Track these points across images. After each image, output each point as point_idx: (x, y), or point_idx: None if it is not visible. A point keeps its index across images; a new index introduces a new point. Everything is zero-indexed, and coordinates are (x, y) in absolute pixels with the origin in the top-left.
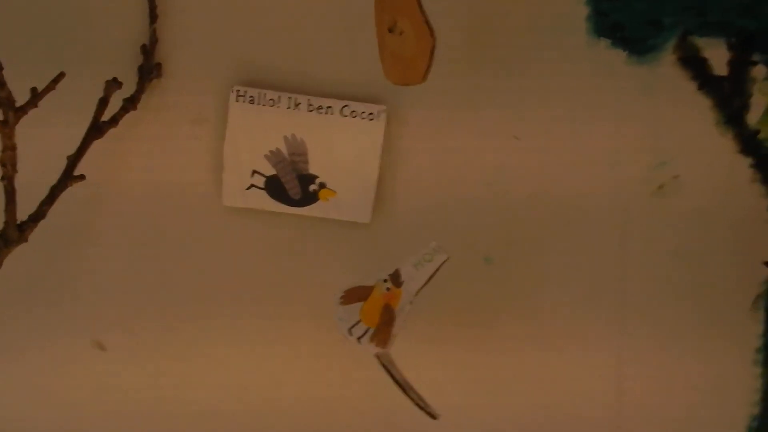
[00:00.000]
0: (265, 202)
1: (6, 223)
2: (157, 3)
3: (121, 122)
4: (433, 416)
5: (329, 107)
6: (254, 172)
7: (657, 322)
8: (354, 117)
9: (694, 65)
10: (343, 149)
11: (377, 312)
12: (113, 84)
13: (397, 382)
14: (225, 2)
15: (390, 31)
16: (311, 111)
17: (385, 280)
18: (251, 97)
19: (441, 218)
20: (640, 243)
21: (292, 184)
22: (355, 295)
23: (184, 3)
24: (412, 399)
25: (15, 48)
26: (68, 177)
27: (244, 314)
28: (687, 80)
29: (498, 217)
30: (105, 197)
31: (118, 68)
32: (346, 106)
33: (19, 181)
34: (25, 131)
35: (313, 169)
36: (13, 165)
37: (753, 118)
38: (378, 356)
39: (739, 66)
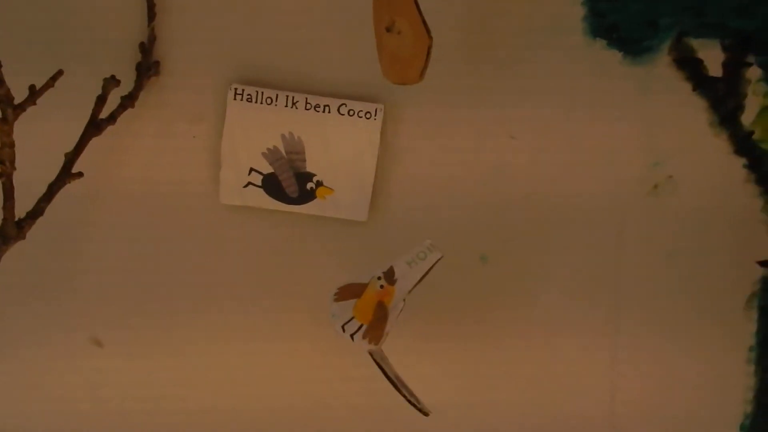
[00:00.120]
0: (263, 200)
1: (4, 220)
2: (155, 1)
3: (119, 120)
4: (424, 413)
5: (327, 106)
6: (252, 170)
7: (651, 320)
8: (351, 115)
9: (690, 66)
10: (340, 148)
11: (370, 309)
12: (111, 81)
13: (389, 378)
14: (223, 1)
15: (388, 30)
16: (309, 109)
17: (379, 278)
18: (249, 95)
19: (437, 216)
20: (635, 242)
21: (290, 182)
22: (349, 291)
23: (182, 1)
24: (404, 396)
25: (13, 45)
26: (66, 174)
27: (241, 311)
28: (682, 81)
29: (494, 215)
30: (103, 194)
31: (116, 66)
32: (343, 104)
33: (17, 178)
34: (23, 128)
35: (310, 168)
36: (12, 162)
37: (747, 118)
38: (371, 353)
39: (734, 67)
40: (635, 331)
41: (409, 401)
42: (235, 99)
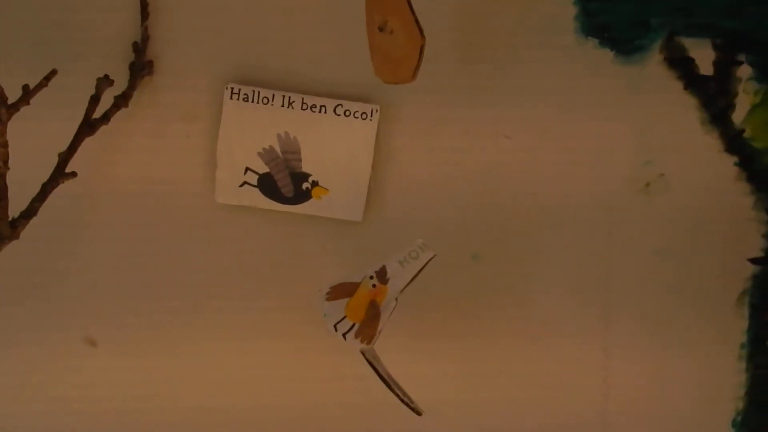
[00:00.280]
0: (258, 199)
1: None
2: (149, 1)
3: (112, 119)
4: (417, 412)
5: (323, 106)
6: (247, 169)
7: (643, 318)
8: (347, 116)
9: (681, 65)
10: (336, 148)
11: (363, 308)
12: (105, 81)
13: (382, 378)
14: (218, 0)
15: (380, 29)
16: (305, 110)
17: (371, 277)
18: (245, 95)
19: (431, 215)
20: (627, 240)
21: (285, 182)
22: (342, 291)
23: (176, 0)
24: (396, 395)
25: (7, 45)
26: (60, 174)
27: (236, 310)
28: (673, 80)
29: (486, 214)
30: (97, 194)
31: (109, 65)
32: (339, 105)
33: (10, 177)
34: (16, 127)
35: (306, 168)
36: (5, 162)
37: (738, 117)
38: (363, 352)
39: (725, 66)
40: (627, 329)
41: (402, 400)
42: (231, 98)
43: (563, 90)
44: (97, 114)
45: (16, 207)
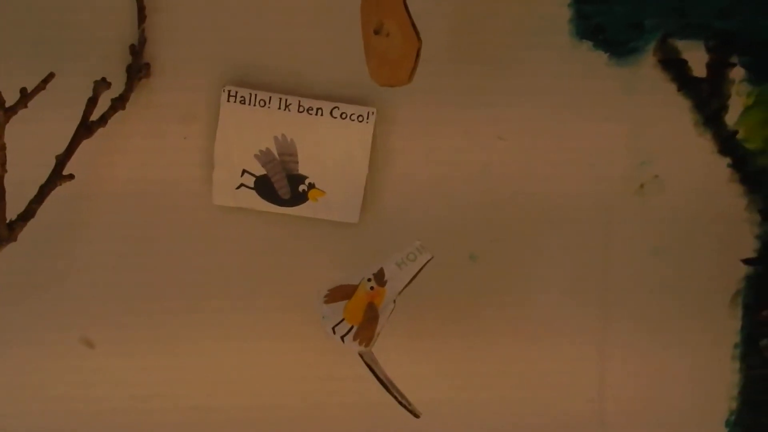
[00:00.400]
0: (255, 201)
1: None
2: (145, 3)
3: (110, 121)
4: (415, 415)
5: (320, 109)
6: (244, 171)
7: (638, 318)
8: (344, 119)
9: (674, 67)
10: (332, 150)
11: (361, 311)
12: (102, 84)
13: (380, 380)
14: (214, 3)
15: (376, 32)
16: (302, 112)
17: (369, 279)
18: (242, 97)
19: (427, 217)
20: (623, 240)
21: (282, 184)
22: (340, 293)
23: (173, 2)
24: (395, 397)
25: (4, 47)
26: (57, 176)
27: (233, 311)
28: (667, 82)
29: (483, 215)
30: (94, 195)
31: (107, 68)
32: (336, 107)
33: (8, 178)
34: (13, 128)
35: (302, 170)
36: (3, 164)
37: (731, 118)
38: (361, 354)
39: (718, 68)
40: (623, 328)
41: (400, 403)
42: (228, 101)
43: (559, 92)
44: (95, 116)
45: (13, 208)
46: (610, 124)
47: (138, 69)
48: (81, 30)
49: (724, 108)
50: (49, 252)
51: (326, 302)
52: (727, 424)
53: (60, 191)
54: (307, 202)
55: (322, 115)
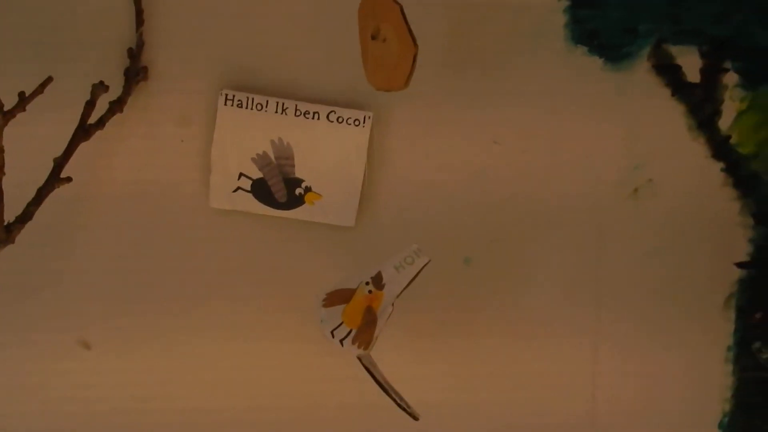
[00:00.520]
0: (252, 204)
1: None
2: (143, 7)
3: (107, 124)
4: (414, 417)
5: (316, 113)
6: (241, 174)
7: (632, 320)
8: (340, 123)
9: (668, 72)
10: (329, 154)
11: (359, 314)
12: (100, 87)
13: (378, 383)
14: (212, 7)
15: (373, 37)
16: (298, 116)
17: (367, 283)
18: (239, 101)
19: (423, 220)
20: (616, 244)
21: (279, 188)
22: (338, 297)
23: (171, 6)
24: (393, 400)
25: (3, 50)
26: (55, 179)
27: (230, 314)
28: (661, 86)
29: (477, 218)
30: (92, 197)
31: (105, 71)
32: (332, 111)
33: (6, 181)
34: (12, 131)
35: (299, 173)
36: (1, 167)
37: (724, 123)
38: (360, 358)
39: (711, 73)
40: (617, 331)
41: (399, 405)
42: (225, 104)
43: (554, 96)
44: (92, 119)
45: (10, 209)
46: (604, 128)
47: (136, 72)
48: (79, 33)
49: (717, 113)
50: (46, 253)
51: (324, 306)
52: (721, 426)
53: (58, 193)
54: (304, 206)
55: (318, 119)
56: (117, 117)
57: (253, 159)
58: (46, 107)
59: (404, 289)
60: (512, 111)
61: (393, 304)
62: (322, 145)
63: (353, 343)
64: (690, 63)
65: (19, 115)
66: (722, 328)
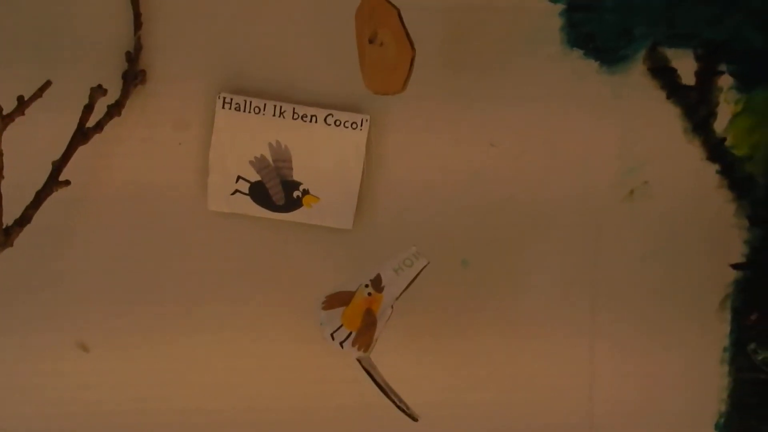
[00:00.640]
0: (250, 207)
1: None
2: (142, 11)
3: (105, 127)
4: (413, 418)
5: (314, 116)
6: (239, 177)
7: (628, 322)
8: (338, 126)
9: (663, 75)
10: (326, 157)
11: (359, 317)
12: (98, 91)
13: (378, 385)
14: (209, 11)
15: (370, 41)
16: (296, 119)
17: (367, 285)
18: (237, 104)
19: (420, 222)
20: (613, 246)
21: (276, 190)
22: (337, 300)
23: (169, 10)
24: (393, 401)
25: (1, 54)
26: (54, 182)
27: (228, 317)
28: (656, 89)
29: (475, 221)
30: (90, 199)
31: (103, 74)
32: (330, 115)
33: (4, 183)
34: (10, 134)
35: (297, 176)
36: (0, 170)
37: (720, 126)
38: (360, 360)
39: (706, 76)
40: (613, 332)
41: (398, 407)
42: (223, 108)
43: (550, 99)
44: (91, 122)
45: (9, 211)
46: (600, 130)
47: (134, 76)
48: (77, 37)
49: (712, 115)
50: (44, 255)
51: (324, 309)
52: (717, 426)
53: (56, 196)
54: (302, 209)
55: (316, 122)
56: (115, 120)
57: (251, 162)
58: (45, 110)
59: (403, 291)
60: (509, 114)
61: (392, 307)
62: (319, 148)
63: (353, 345)
64: (685, 66)
65: (18, 119)
66: (718, 329)
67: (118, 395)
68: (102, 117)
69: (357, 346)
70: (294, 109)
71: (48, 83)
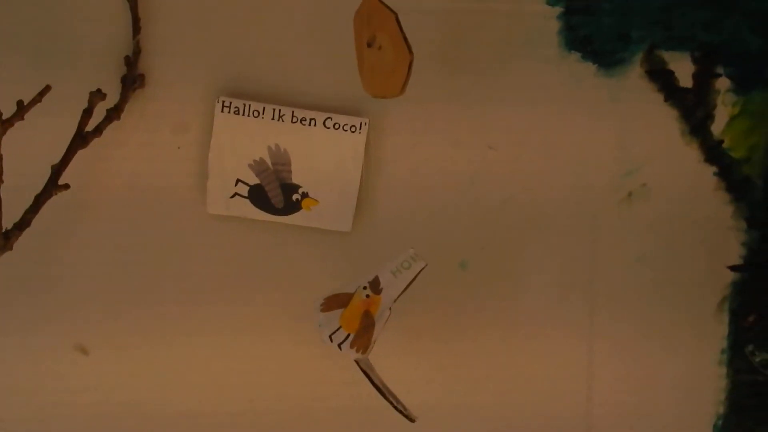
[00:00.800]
0: (249, 210)
1: None
2: (140, 15)
3: (105, 131)
4: (411, 419)
5: (312, 119)
6: (238, 180)
7: (626, 324)
8: (337, 129)
9: (661, 78)
10: (325, 160)
11: (357, 318)
12: (97, 95)
13: (376, 386)
14: (208, 15)
15: (369, 45)
16: (295, 122)
17: (365, 287)
18: (236, 107)
19: (418, 225)
20: (611, 248)
21: (275, 193)
22: (336, 301)
23: (167, 14)
24: (390, 402)
25: (1, 59)
26: (53, 186)
27: (227, 319)
28: (654, 92)
29: (473, 223)
30: (89, 204)
31: (102, 78)
32: (329, 118)
33: (3, 187)
34: (10, 138)
35: (296, 179)
36: (0, 174)
37: (717, 128)
38: (358, 362)
39: (703, 78)
40: (610, 333)
41: (396, 408)
42: (222, 111)
43: (548, 102)
44: (90, 126)
45: (8, 215)
46: (598, 133)
47: (133, 80)
48: (76, 41)
49: (709, 117)
50: (43, 259)
51: (322, 310)
52: (714, 428)
53: (55, 199)
54: (301, 211)
55: (315, 125)
56: (114, 124)
57: (250, 165)
58: (44, 115)
59: (401, 293)
60: (507, 116)
61: (390, 308)
62: (318, 151)
63: (351, 347)
64: (682, 68)
65: (17, 123)
66: (716, 331)
67: (116, 397)
68: (101, 121)
69: (355, 348)
70: (293, 112)
71: (47, 88)
